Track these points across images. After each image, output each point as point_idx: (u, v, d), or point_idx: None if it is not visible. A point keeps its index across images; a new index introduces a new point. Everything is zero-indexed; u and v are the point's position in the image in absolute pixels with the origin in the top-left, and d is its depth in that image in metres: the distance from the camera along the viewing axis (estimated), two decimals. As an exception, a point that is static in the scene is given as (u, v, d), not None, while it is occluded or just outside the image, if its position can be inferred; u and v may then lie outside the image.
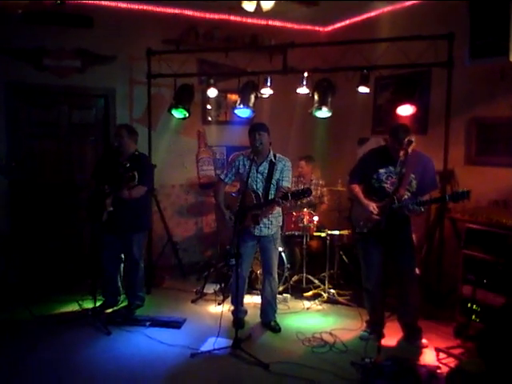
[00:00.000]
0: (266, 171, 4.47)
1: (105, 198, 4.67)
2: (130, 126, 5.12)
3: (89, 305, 4.96)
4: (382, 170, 4.12)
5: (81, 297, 5.22)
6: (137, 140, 5.01)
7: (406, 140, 3.89)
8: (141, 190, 4.78)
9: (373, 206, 4.08)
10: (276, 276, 4.75)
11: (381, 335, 3.90)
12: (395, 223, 3.94)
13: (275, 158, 4.49)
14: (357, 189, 4.30)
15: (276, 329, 4.67)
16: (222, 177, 4.68)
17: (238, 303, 4.68)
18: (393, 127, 4.11)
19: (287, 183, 4.50)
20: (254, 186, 4.47)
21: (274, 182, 4.47)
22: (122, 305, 5.20)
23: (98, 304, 4.91)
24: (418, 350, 4.21)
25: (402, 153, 3.91)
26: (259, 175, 4.48)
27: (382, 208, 4.05)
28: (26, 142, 5.91)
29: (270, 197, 4.46)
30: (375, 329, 4.26)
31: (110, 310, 5.06)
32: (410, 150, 3.91)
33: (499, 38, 4.72)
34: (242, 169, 4.56)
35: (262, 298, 4.82)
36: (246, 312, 4.89)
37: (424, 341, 4.28)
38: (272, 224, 4.57)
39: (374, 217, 4.07)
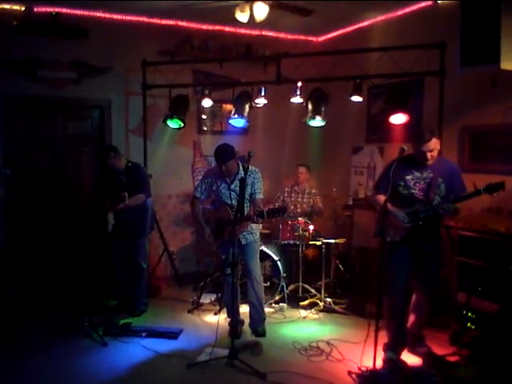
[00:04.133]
0: (238, 188, 4.44)
1: (106, 212, 4.95)
2: (111, 147, 5.30)
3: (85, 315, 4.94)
4: (408, 177, 4.03)
5: (78, 308, 5.20)
6: (120, 152, 5.18)
7: (429, 151, 3.88)
8: (140, 198, 5.04)
9: (402, 215, 3.97)
10: (259, 276, 4.75)
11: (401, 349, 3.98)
12: (428, 229, 3.96)
13: (245, 173, 4.36)
14: (382, 198, 4.13)
15: (259, 332, 4.69)
16: (197, 195, 4.79)
17: (233, 313, 4.69)
18: (417, 131, 4.09)
19: (260, 194, 4.61)
20: (229, 202, 4.59)
21: (247, 196, 4.54)
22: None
23: (110, 305, 5.36)
24: (417, 357, 4.22)
25: (429, 155, 3.89)
26: (232, 192, 4.59)
27: (412, 214, 3.96)
28: (21, 154, 5.93)
29: (246, 210, 4.55)
30: (397, 346, 4.17)
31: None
32: (434, 154, 3.92)
33: (490, 45, 4.76)
34: (215, 186, 4.69)
35: (248, 304, 4.81)
36: (242, 322, 4.89)
37: (427, 348, 4.28)
38: (253, 229, 4.70)
39: (405, 224, 3.95)
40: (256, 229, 4.74)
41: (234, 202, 4.55)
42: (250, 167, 4.47)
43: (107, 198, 5.00)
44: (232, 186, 4.59)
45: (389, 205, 3.94)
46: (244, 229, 4.58)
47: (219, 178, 4.63)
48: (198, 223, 4.84)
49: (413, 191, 4.03)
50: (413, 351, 4.30)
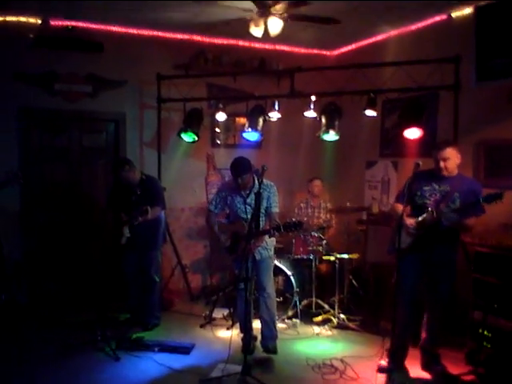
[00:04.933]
0: (254, 202, 4.42)
1: (122, 225, 4.91)
2: (126, 159, 5.33)
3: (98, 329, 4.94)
4: (426, 188, 4.08)
5: (91, 320, 5.21)
6: (134, 165, 5.21)
7: (443, 160, 3.93)
8: (156, 211, 5.04)
9: (410, 222, 4.02)
10: (271, 292, 4.71)
11: (402, 365, 3.88)
12: (436, 239, 3.93)
13: (260, 187, 4.32)
14: (400, 207, 4.19)
15: (270, 350, 4.62)
16: (212, 208, 4.78)
17: (246, 328, 4.65)
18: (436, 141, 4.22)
19: (276, 208, 4.61)
20: (245, 216, 4.56)
21: (262, 210, 4.53)
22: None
23: (122, 318, 5.36)
24: (432, 375, 4.16)
25: (442, 164, 3.92)
26: (248, 206, 4.57)
27: (420, 223, 3.98)
28: (37, 166, 5.99)
29: (261, 224, 4.53)
30: (396, 358, 4.14)
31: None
32: (449, 165, 3.95)
33: (506, 60, 4.75)
34: (230, 200, 4.68)
35: (260, 320, 4.76)
36: (255, 338, 4.85)
37: (442, 366, 4.21)
38: (268, 245, 4.67)
39: (411, 231, 4.02)
40: (271, 245, 4.72)
41: (249, 215, 4.51)
42: (265, 181, 4.48)
43: (122, 210, 5.02)
44: (248, 200, 4.58)
45: (404, 214, 4.02)
46: (259, 243, 4.55)
47: (234, 191, 4.63)
48: (213, 237, 4.83)
49: (426, 201, 4.06)
50: (428, 370, 4.24)
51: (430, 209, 3.93)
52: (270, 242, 4.70)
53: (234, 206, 4.65)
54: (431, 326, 4.21)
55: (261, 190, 4.33)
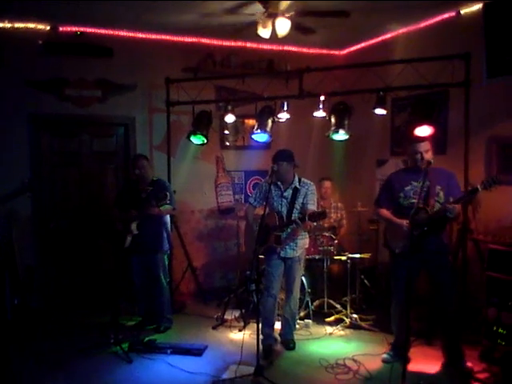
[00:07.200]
0: (290, 196, 4.62)
1: (130, 222, 4.92)
2: (145, 156, 5.38)
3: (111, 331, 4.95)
4: (407, 188, 4.15)
5: (103, 324, 5.24)
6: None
7: (425, 152, 4.06)
8: (169, 208, 5.08)
9: (406, 222, 4.03)
10: (297, 295, 4.82)
11: (406, 359, 3.83)
12: (430, 232, 3.94)
13: (300, 184, 4.65)
14: (385, 211, 4.30)
15: (290, 346, 4.73)
16: (251, 201, 4.91)
17: (264, 327, 4.64)
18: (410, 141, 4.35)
19: (312, 206, 4.66)
20: (279, 209, 4.66)
21: (297, 206, 4.64)
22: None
23: (132, 323, 5.36)
24: (447, 375, 4.09)
25: (424, 155, 4.03)
26: (284, 199, 4.67)
27: (415, 222, 3.96)
28: (48, 171, 6.02)
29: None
30: (399, 352, 4.18)
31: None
32: (428, 156, 4.05)
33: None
34: (268, 192, 4.69)
35: (281, 318, 4.88)
36: (275, 339, 4.84)
37: (469, 364, 4.13)
38: (297, 246, 4.68)
39: (413, 232, 3.98)
40: (300, 247, 4.72)
41: (283, 208, 4.64)
42: (305, 179, 4.70)
43: (132, 208, 4.97)
44: (285, 194, 4.66)
45: (394, 217, 4.18)
46: (292, 237, 4.62)
47: (273, 184, 4.65)
48: (249, 233, 4.88)
49: (413, 201, 4.08)
50: (454, 368, 4.16)
51: (427, 208, 3.93)
52: (302, 243, 4.73)
53: (271, 199, 4.69)
54: (445, 319, 4.18)
55: (299, 186, 4.58)
